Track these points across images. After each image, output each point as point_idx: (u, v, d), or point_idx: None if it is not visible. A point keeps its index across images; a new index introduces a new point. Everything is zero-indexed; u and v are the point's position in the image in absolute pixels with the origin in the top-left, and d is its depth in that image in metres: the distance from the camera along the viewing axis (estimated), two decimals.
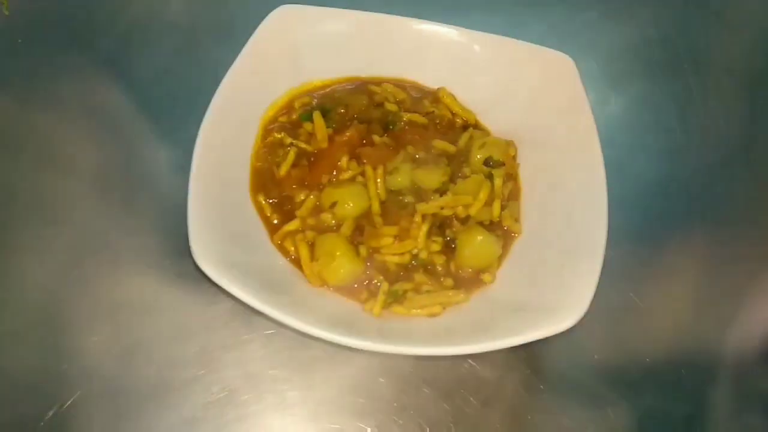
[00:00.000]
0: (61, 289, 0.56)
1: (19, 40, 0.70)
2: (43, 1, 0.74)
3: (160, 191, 0.61)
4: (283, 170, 0.57)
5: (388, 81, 0.63)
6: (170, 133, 0.64)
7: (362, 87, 0.63)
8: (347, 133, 0.59)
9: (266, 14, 0.60)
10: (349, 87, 0.63)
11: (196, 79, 0.67)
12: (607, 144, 0.57)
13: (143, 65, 0.69)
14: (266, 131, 0.59)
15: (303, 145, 0.59)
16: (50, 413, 0.51)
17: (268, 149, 0.58)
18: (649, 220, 0.65)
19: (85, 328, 0.54)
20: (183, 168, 0.58)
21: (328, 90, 0.62)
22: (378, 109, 0.61)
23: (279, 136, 0.59)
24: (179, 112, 0.65)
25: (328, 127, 0.59)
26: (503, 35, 0.63)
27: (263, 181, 0.57)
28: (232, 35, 0.61)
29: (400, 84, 0.64)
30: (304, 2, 0.62)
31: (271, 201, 0.56)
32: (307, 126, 0.59)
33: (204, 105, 0.55)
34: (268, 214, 0.56)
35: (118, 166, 0.63)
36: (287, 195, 0.57)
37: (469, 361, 0.55)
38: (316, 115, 0.59)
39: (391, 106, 0.62)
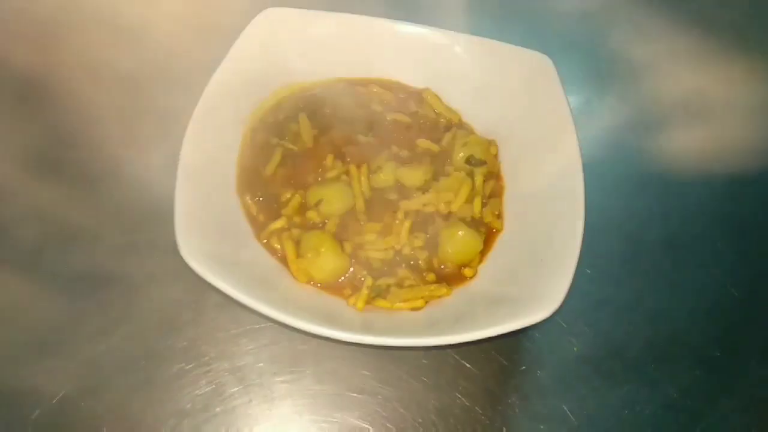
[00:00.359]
0: (48, 284, 0.57)
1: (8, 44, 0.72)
2: (30, 4, 0.75)
3: (148, 189, 0.62)
4: (270, 170, 0.58)
5: (374, 82, 0.65)
6: (158, 132, 0.65)
7: (348, 88, 0.64)
8: (332, 133, 0.60)
9: (253, 17, 0.62)
10: (335, 88, 0.64)
11: (183, 79, 0.69)
12: (587, 142, 0.58)
13: (131, 65, 0.70)
14: (253, 131, 0.60)
15: (289, 146, 0.60)
16: (39, 409, 0.52)
17: (255, 149, 0.59)
18: (630, 217, 0.66)
19: (74, 323, 0.55)
20: (171, 166, 0.59)
21: (314, 91, 0.64)
22: (363, 110, 0.63)
23: (266, 135, 0.60)
24: (167, 111, 0.67)
25: (313, 127, 0.61)
26: (486, 36, 0.64)
27: (250, 181, 0.58)
28: (220, 37, 0.63)
29: (385, 85, 0.65)
30: (290, 5, 0.63)
31: (257, 200, 0.57)
32: (293, 126, 0.61)
33: (191, 105, 0.56)
34: (255, 213, 0.57)
35: (106, 164, 0.64)
36: (273, 194, 0.58)
37: (450, 353, 0.56)
38: (302, 117, 0.61)
39: (376, 107, 0.63)
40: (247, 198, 0.57)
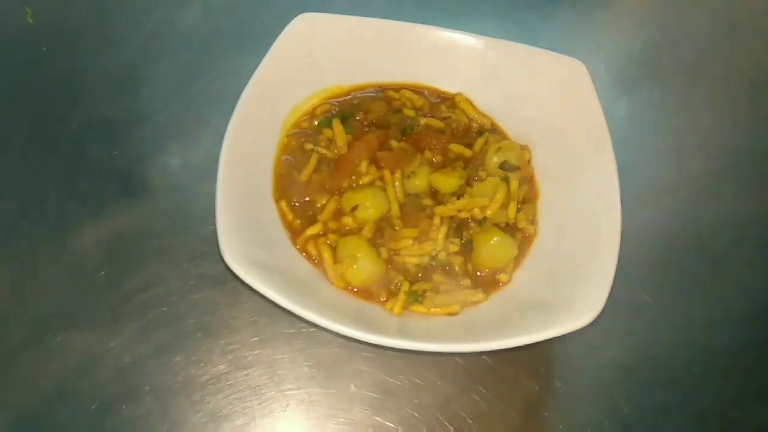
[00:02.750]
0: (88, 289, 0.57)
1: (44, 48, 0.72)
2: (65, 11, 0.76)
3: (182, 195, 0.62)
4: (305, 176, 0.59)
5: (407, 87, 0.65)
6: (193, 140, 0.66)
7: (381, 93, 0.65)
8: (366, 139, 0.60)
9: (283, 23, 0.62)
10: (369, 93, 0.64)
11: (216, 86, 0.70)
12: (618, 146, 0.58)
13: (165, 72, 0.71)
14: (288, 137, 0.61)
15: (323, 151, 0.60)
16: (81, 413, 0.52)
17: (290, 155, 0.60)
18: (661, 222, 0.66)
19: (114, 328, 0.56)
20: (203, 172, 0.60)
21: (348, 96, 0.64)
22: (396, 115, 0.63)
23: (300, 142, 0.60)
24: (201, 119, 0.67)
25: (347, 133, 0.61)
26: (515, 40, 0.64)
27: (286, 187, 0.58)
28: (251, 44, 0.63)
29: (418, 90, 0.65)
30: (324, 10, 0.63)
31: (293, 205, 0.58)
32: (327, 132, 0.61)
33: (225, 112, 0.57)
34: (290, 219, 0.57)
35: (142, 171, 0.64)
36: (309, 200, 0.58)
37: (485, 358, 0.56)
38: (336, 122, 0.61)
39: (409, 112, 0.63)
40: (283, 204, 0.57)
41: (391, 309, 0.53)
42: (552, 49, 0.63)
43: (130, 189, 0.63)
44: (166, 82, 0.71)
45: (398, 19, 0.65)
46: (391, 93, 0.64)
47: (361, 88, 0.65)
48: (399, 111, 0.63)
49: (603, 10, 0.84)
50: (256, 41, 0.62)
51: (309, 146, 0.60)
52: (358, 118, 0.62)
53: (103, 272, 0.58)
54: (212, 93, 0.70)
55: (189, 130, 0.67)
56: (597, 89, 0.61)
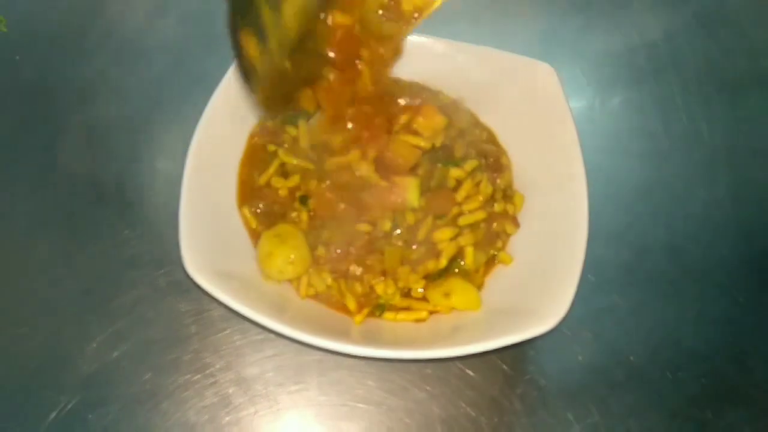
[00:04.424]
0: (56, 297, 0.57)
1: (17, 57, 0.72)
2: (39, 20, 0.76)
3: (154, 202, 0.62)
4: (263, 179, 0.58)
5: None
6: (165, 147, 0.66)
7: None
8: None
9: None
10: None
11: (187, 92, 0.69)
12: (592, 149, 0.58)
13: (138, 80, 0.71)
14: (252, 136, 0.60)
15: (285, 158, 0.58)
16: (47, 420, 0.52)
17: (253, 156, 0.59)
18: (634, 224, 0.66)
19: (81, 335, 0.55)
20: (176, 179, 0.59)
21: None
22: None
23: (265, 141, 0.59)
24: (172, 124, 0.67)
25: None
26: (490, 45, 0.64)
27: (249, 191, 0.57)
28: (224, 48, 0.63)
29: None
30: None
31: (257, 211, 0.57)
32: (291, 130, 0.60)
33: (196, 117, 0.57)
34: (254, 226, 0.56)
35: (111, 178, 0.64)
36: (272, 204, 0.57)
37: (457, 364, 0.56)
38: (302, 122, 0.59)
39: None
40: (246, 210, 0.57)
41: (356, 315, 0.53)
42: (527, 53, 0.63)
43: (101, 196, 0.63)
44: (140, 90, 0.71)
45: None
46: None
47: None
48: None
49: (578, 13, 0.84)
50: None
51: (272, 147, 0.59)
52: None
53: (72, 279, 0.58)
54: (186, 100, 0.69)
55: (162, 137, 0.67)
56: (573, 92, 0.61)
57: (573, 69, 0.78)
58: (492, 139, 0.63)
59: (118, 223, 0.62)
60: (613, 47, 0.81)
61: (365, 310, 0.53)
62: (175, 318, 0.57)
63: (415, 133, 0.58)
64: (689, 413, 0.56)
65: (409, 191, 0.55)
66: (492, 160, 0.59)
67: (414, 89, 0.63)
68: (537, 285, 0.52)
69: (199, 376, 0.54)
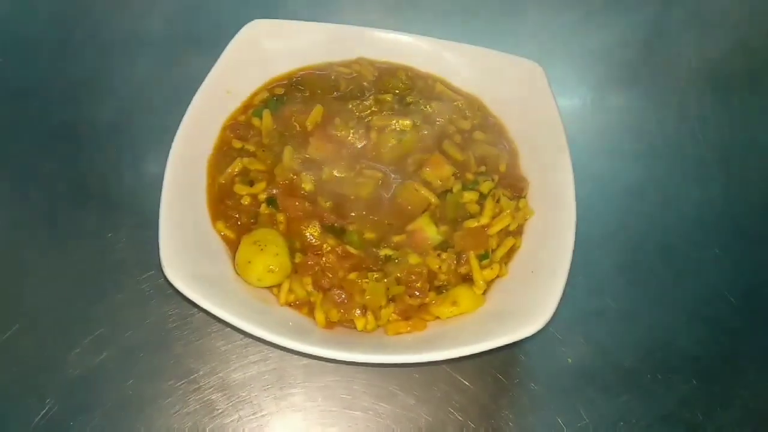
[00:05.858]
0: (39, 303, 0.56)
1: (1, 60, 0.72)
2: (24, 21, 0.75)
3: (138, 205, 0.61)
4: (224, 178, 0.56)
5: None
6: (150, 149, 0.65)
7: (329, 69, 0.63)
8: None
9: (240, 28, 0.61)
10: (317, 73, 0.63)
11: (176, 94, 0.68)
12: (583, 148, 0.57)
13: (123, 81, 0.70)
14: (224, 130, 0.59)
15: (247, 163, 0.57)
16: (30, 427, 0.51)
17: (220, 153, 0.58)
18: (626, 224, 0.65)
19: (64, 342, 0.55)
20: (160, 182, 0.59)
21: (292, 79, 0.62)
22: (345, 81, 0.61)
23: (234, 135, 0.58)
24: (160, 127, 0.66)
25: (288, 109, 0.58)
26: (481, 43, 0.64)
27: (221, 195, 0.56)
28: (215, 51, 0.62)
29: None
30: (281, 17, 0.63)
31: (233, 223, 0.55)
32: (255, 121, 0.59)
33: (180, 120, 0.56)
34: (232, 237, 0.54)
35: (99, 180, 0.64)
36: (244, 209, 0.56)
37: (446, 368, 0.55)
38: (266, 113, 0.59)
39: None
40: (221, 225, 0.55)
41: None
42: (520, 52, 0.63)
43: (86, 198, 0.63)
44: (123, 92, 0.70)
45: (362, 26, 0.64)
46: (340, 68, 0.62)
47: (309, 69, 0.63)
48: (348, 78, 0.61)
49: (569, 11, 0.83)
50: (220, 48, 0.61)
51: (238, 144, 0.58)
52: (298, 94, 0.60)
53: (55, 283, 0.57)
54: (172, 101, 0.68)
55: (147, 139, 0.66)
56: (565, 91, 0.60)
57: (565, 67, 0.78)
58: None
59: (101, 226, 0.61)
60: (606, 46, 0.81)
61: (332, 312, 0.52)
62: (158, 323, 0.56)
63: (425, 182, 0.57)
64: (680, 415, 0.55)
65: (426, 230, 0.55)
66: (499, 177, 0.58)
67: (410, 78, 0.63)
68: (525, 287, 0.51)
69: (182, 381, 0.53)
